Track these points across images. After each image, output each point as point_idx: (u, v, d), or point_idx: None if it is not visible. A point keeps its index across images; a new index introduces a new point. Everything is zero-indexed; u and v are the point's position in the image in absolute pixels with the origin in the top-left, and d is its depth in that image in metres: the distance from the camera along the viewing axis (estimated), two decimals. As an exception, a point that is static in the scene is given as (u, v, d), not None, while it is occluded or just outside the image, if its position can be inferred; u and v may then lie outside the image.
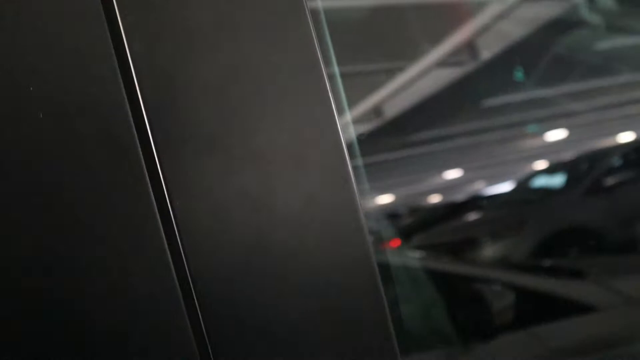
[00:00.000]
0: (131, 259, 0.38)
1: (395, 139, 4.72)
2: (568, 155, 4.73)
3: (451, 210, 4.82)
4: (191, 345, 0.39)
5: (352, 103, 4.16)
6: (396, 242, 4.85)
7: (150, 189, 0.38)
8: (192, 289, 0.39)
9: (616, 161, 4.49)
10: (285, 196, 0.40)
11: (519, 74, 3.40)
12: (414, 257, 2.74)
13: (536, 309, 1.84)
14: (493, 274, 2.07)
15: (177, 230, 0.38)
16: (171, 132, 0.38)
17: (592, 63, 3.42)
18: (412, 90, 3.83)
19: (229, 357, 0.39)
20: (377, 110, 4.47)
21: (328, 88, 0.40)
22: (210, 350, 0.39)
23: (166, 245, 0.38)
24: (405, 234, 4.75)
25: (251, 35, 0.39)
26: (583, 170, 4.45)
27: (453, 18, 2.86)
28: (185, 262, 0.38)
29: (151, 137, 0.38)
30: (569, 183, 4.51)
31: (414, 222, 5.35)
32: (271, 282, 0.40)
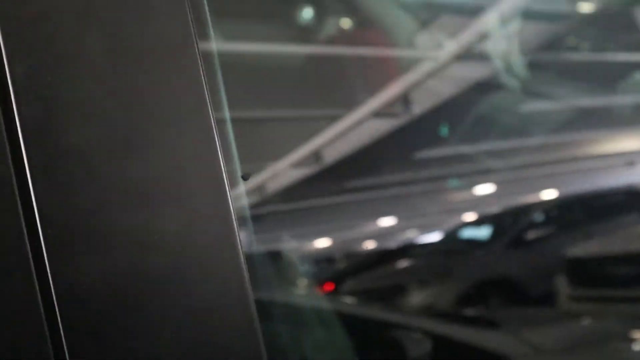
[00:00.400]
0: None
1: (332, 185, 4.77)
2: (492, 209, 4.87)
3: (381, 258, 4.86)
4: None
5: (293, 147, 4.19)
6: (330, 286, 4.84)
7: (22, 215, 0.37)
8: (58, 318, 0.37)
9: (536, 217, 4.65)
10: (162, 230, 0.39)
11: (444, 130, 3.52)
12: (340, 302, 2.73)
13: (452, 357, 1.86)
14: (415, 321, 2.08)
15: (47, 260, 0.37)
16: (47, 157, 0.37)
17: (511, 124, 3.58)
18: (349, 138, 3.89)
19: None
20: (317, 156, 4.52)
21: (214, 127, 0.40)
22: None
23: (34, 274, 0.37)
24: (338, 279, 4.74)
25: (137, 67, 0.39)
26: (506, 224, 4.58)
27: (388, 71, 2.95)
28: (52, 291, 0.37)
29: (26, 161, 0.36)
30: (492, 236, 4.63)
31: (346, 268, 5.36)
32: (142, 316, 0.38)
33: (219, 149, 0.41)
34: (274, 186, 4.55)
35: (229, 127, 0.44)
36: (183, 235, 0.39)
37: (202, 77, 0.41)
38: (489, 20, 2.37)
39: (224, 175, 0.41)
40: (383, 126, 3.41)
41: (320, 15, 2.54)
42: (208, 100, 0.41)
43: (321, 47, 2.62)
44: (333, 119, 3.46)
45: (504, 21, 2.32)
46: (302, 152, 4.12)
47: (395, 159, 4.12)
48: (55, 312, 0.37)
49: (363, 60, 2.70)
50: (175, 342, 0.39)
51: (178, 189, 0.40)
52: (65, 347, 0.37)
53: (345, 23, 2.62)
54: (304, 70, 2.79)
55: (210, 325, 0.40)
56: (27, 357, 0.36)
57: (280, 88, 3.01)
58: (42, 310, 0.37)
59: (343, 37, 2.60)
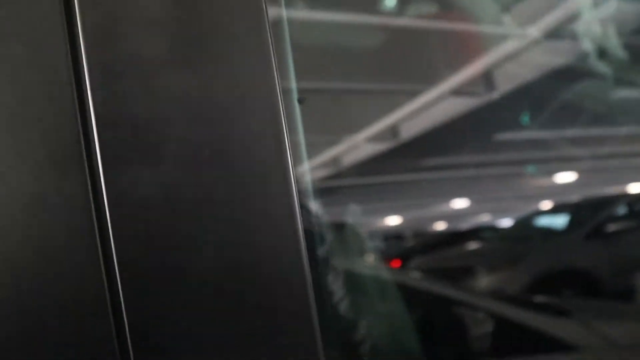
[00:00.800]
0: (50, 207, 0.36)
1: (407, 162, 4.70)
2: (572, 198, 4.66)
3: (451, 239, 4.77)
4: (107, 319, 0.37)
5: (370, 120, 4.16)
6: (397, 263, 4.80)
7: (79, 119, 0.37)
8: (109, 224, 0.37)
9: (620, 210, 4.40)
10: (212, 146, 0.38)
11: (525, 118, 3.37)
12: (401, 275, 2.70)
13: (516, 341, 1.80)
14: (479, 302, 2.03)
15: (101, 165, 0.37)
16: (106, 64, 0.37)
17: (600, 111, 3.37)
18: (427, 114, 3.81)
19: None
20: (394, 131, 4.46)
21: (271, 44, 0.39)
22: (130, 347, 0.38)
23: (88, 179, 0.37)
24: (406, 257, 4.71)
25: (205, 14, 0.39)
26: (586, 215, 4.37)
27: (470, 50, 2.86)
28: (104, 196, 0.37)
29: (85, 67, 0.37)
30: (570, 226, 4.44)
31: (416, 245, 5.31)
32: (188, 228, 0.38)
33: (275, 69, 0.40)
34: (349, 159, 4.53)
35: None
36: (234, 153, 0.39)
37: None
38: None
39: (279, 94, 0.40)
40: (463, 105, 3.31)
41: (403, 1, 2.49)
42: (267, 23, 0.40)
43: (404, 20, 2.56)
44: (412, 94, 3.40)
45: (598, 1, 2.17)
46: (379, 127, 4.08)
47: (473, 139, 4.01)
48: (107, 217, 0.37)
49: (446, 37, 2.62)
50: (217, 257, 0.38)
51: (233, 109, 0.39)
52: (114, 252, 0.37)
53: (430, 7, 2.56)
54: (386, 43, 2.74)
55: (253, 247, 0.39)
56: (76, 256, 0.37)
57: (361, 61, 2.98)
58: (93, 215, 0.37)
59: (428, 18, 2.53)
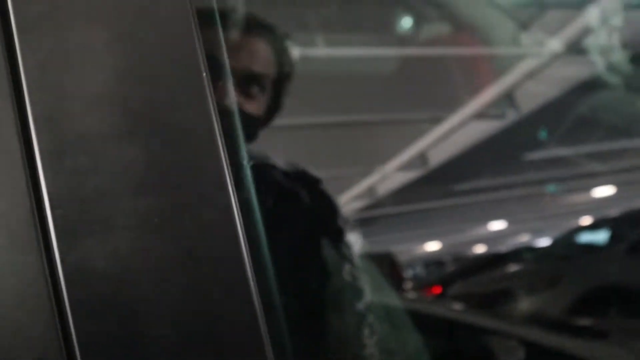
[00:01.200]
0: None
1: (440, 188, 4.65)
2: (611, 213, 4.51)
3: (489, 262, 4.67)
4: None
5: (399, 150, 4.14)
6: (437, 290, 4.71)
7: (32, 197, 0.38)
8: (65, 298, 0.38)
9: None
10: (161, 213, 0.39)
11: (543, 133, 3.28)
12: (426, 304, 2.64)
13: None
14: (511, 329, 1.97)
15: (55, 241, 0.38)
16: (55, 144, 0.38)
17: (628, 124, 3.24)
18: (454, 140, 3.77)
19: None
20: (422, 158, 4.43)
21: (214, 118, 0.40)
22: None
23: (43, 255, 0.38)
24: (446, 283, 4.61)
25: (138, 60, 0.39)
26: (626, 229, 4.21)
27: (489, 73, 2.82)
28: (59, 271, 0.38)
29: (36, 147, 0.38)
30: (610, 241, 4.28)
31: (454, 272, 5.20)
32: (143, 296, 0.38)
33: (218, 135, 0.40)
34: (382, 189, 4.52)
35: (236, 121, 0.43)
36: (182, 220, 0.39)
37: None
38: (592, 13, 2.19)
39: (224, 160, 0.40)
40: (488, 128, 3.27)
41: (418, 23, 2.50)
42: (209, 92, 0.40)
43: (421, 49, 2.56)
44: (436, 121, 3.38)
45: (607, 14, 2.12)
46: (408, 155, 4.07)
47: (503, 161, 3.95)
48: (62, 292, 0.38)
49: (463, 61, 2.60)
50: (174, 321, 0.38)
51: (176, 175, 0.39)
52: (72, 326, 0.38)
53: (444, 29, 2.55)
54: (405, 73, 2.75)
55: (209, 306, 0.39)
56: (35, 336, 0.38)
57: (383, 92, 2.98)
58: (50, 289, 0.38)
59: (442, 42, 2.53)
